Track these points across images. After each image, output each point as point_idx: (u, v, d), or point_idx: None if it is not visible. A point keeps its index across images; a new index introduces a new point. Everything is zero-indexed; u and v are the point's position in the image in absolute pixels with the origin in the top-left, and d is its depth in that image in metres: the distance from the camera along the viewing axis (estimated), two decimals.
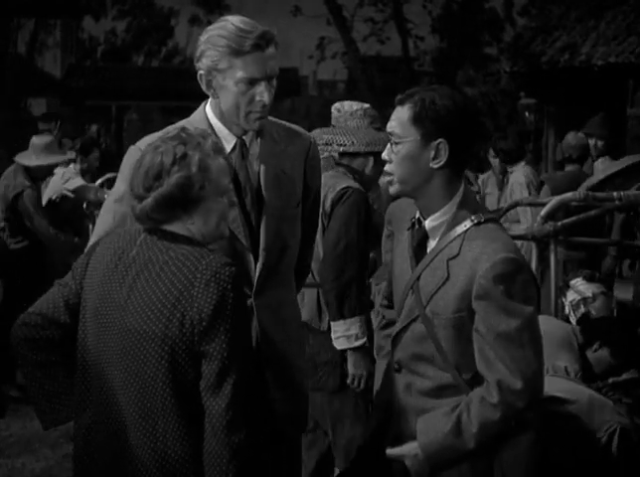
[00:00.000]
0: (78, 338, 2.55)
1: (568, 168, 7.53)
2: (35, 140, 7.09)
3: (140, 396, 2.42)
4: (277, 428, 3.00)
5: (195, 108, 3.06)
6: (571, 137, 7.79)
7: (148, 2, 35.21)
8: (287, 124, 3.14)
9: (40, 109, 22.64)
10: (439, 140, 2.55)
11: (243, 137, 2.99)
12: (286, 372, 3.05)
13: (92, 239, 2.95)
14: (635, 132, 12.43)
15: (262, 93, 2.87)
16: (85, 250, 2.66)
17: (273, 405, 2.99)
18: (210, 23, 3.04)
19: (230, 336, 2.38)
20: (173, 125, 2.80)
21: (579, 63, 13.79)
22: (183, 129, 2.54)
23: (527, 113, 15.41)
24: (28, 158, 6.99)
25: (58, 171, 7.45)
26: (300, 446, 3.23)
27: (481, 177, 9.26)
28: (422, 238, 2.67)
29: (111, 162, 8.60)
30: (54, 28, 27.94)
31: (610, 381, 3.86)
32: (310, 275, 4.02)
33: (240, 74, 2.84)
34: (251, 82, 2.86)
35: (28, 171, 6.95)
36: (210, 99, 3.01)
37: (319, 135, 4.21)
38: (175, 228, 2.50)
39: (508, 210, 6.16)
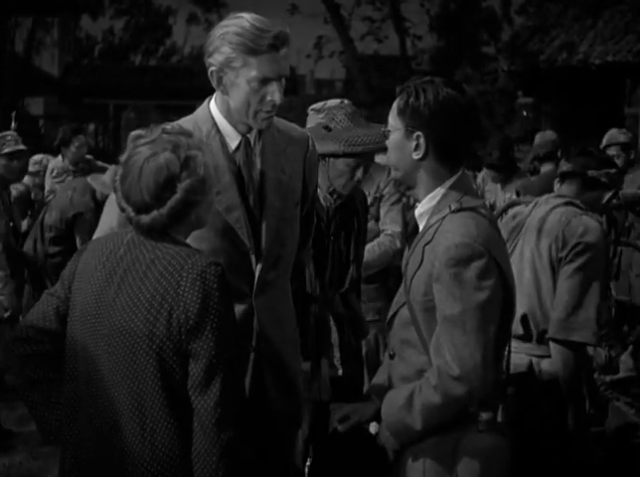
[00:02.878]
0: (66, 340, 2.55)
1: (544, 169, 7.42)
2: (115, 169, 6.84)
3: (129, 394, 2.42)
4: (273, 426, 3.01)
5: (192, 107, 3.04)
6: (538, 136, 7.71)
7: (146, 1, 35.22)
8: (286, 123, 3.13)
9: (37, 108, 22.63)
10: (417, 133, 2.61)
11: (247, 135, 2.99)
12: (283, 372, 3.05)
13: (96, 235, 2.96)
14: (632, 131, 12.43)
15: (274, 93, 2.86)
16: (74, 256, 2.65)
17: (270, 404, 3.00)
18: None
19: (216, 334, 2.38)
20: (173, 122, 2.78)
21: (577, 62, 13.82)
22: (163, 130, 2.51)
23: (524, 112, 15.42)
24: (103, 184, 6.60)
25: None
26: (294, 444, 3.24)
27: (480, 175, 9.18)
28: (415, 225, 2.74)
29: (109, 160, 8.46)
30: (51, 26, 27.96)
31: (608, 379, 3.87)
32: None
33: (254, 72, 2.83)
34: (264, 82, 2.85)
35: (94, 195, 6.68)
36: (214, 96, 3.00)
37: None
38: (174, 230, 2.50)
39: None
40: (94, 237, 2.96)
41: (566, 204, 3.66)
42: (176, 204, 2.43)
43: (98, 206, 6.53)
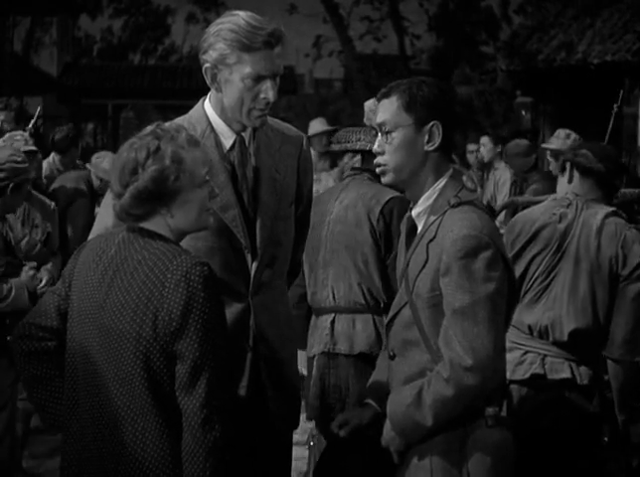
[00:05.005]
0: (66, 339, 2.57)
1: (532, 178, 7.37)
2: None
3: (121, 394, 2.43)
4: (271, 426, 3.02)
5: (191, 106, 3.05)
6: (512, 148, 7.52)
7: (145, 0, 35.22)
8: (280, 123, 3.14)
9: (36, 108, 22.59)
10: (433, 122, 2.62)
11: (242, 134, 2.99)
12: (280, 371, 3.06)
13: (92, 235, 2.96)
14: (631, 131, 12.44)
15: (267, 91, 2.87)
16: (74, 253, 2.66)
17: (267, 403, 3.00)
18: (206, 21, 3.05)
19: (201, 336, 2.38)
20: (170, 122, 2.79)
21: (576, 61, 13.80)
22: (158, 125, 2.54)
23: (523, 112, 15.41)
24: (103, 171, 6.39)
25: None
26: (291, 443, 3.24)
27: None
28: (412, 226, 2.73)
29: None
30: (50, 26, 27.90)
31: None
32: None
33: (247, 70, 2.84)
34: (258, 79, 2.85)
35: (90, 183, 6.54)
36: (209, 95, 3.00)
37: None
38: (154, 224, 2.51)
39: (503, 208, 6.17)
40: (90, 236, 2.96)
41: (615, 214, 3.61)
42: (135, 190, 2.45)
43: (94, 195, 6.50)
